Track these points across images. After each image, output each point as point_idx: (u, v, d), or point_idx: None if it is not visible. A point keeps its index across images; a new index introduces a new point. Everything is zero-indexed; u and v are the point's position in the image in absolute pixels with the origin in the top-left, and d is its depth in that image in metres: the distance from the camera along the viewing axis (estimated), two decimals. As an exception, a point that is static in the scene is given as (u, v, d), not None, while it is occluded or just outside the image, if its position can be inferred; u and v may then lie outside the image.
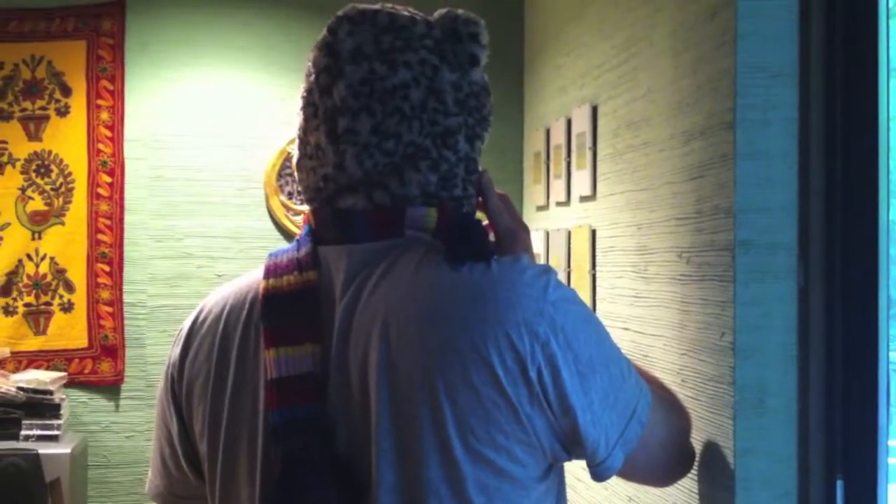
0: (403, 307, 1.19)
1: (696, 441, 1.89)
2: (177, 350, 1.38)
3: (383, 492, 1.17)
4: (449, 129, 1.29)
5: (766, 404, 1.71)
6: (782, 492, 1.71)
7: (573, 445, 1.25)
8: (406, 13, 1.33)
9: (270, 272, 1.29)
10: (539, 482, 1.24)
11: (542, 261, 3.40)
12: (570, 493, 3.01)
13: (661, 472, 1.52)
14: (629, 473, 1.42)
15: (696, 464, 1.89)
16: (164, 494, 1.44)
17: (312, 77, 1.31)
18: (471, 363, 1.15)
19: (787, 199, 1.71)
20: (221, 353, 1.29)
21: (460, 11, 1.37)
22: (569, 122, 3.07)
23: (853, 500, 1.70)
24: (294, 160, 1.36)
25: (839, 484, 1.71)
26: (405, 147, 1.25)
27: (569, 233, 3.04)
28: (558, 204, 3.23)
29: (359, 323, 1.21)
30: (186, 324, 1.39)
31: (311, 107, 1.30)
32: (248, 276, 1.36)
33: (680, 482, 1.96)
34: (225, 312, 1.33)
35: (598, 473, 1.30)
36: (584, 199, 2.89)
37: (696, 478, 1.88)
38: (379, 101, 1.25)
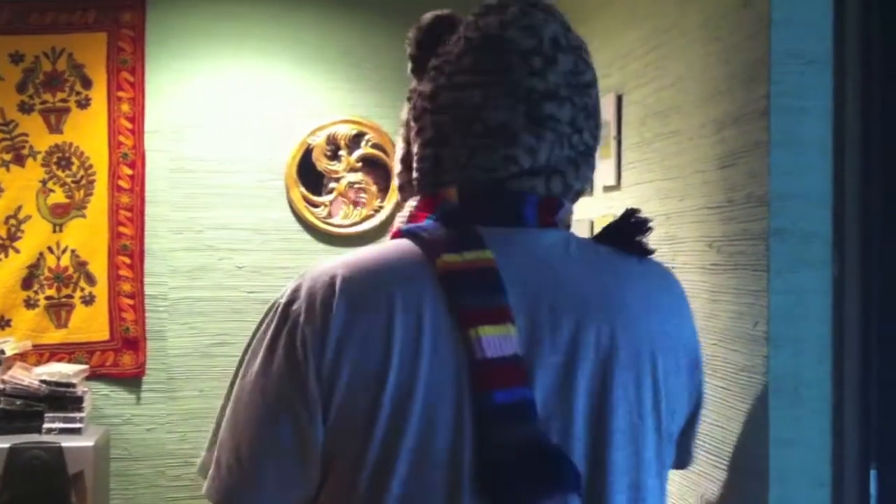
0: (610, 293, 1.23)
1: (729, 431, 1.88)
2: (327, 331, 1.15)
3: (616, 475, 1.19)
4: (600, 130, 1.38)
5: (801, 394, 1.69)
6: (816, 482, 1.70)
7: None
8: None
9: (437, 247, 1.19)
10: None
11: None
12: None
13: None
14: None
15: (728, 454, 1.88)
16: None
17: (514, 57, 1.25)
18: (679, 349, 1.28)
19: (822, 187, 1.70)
20: (405, 332, 1.15)
21: None
22: (592, 113, 3.06)
23: (887, 489, 1.69)
24: (424, 128, 1.28)
25: (873, 474, 1.69)
26: (584, 143, 1.30)
27: (592, 223, 3.03)
28: (581, 195, 3.22)
29: (553, 306, 1.19)
30: (331, 301, 1.16)
31: (506, 87, 1.24)
32: (382, 247, 1.23)
33: (712, 472, 1.95)
34: (387, 287, 1.17)
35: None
36: (608, 188, 2.88)
37: (728, 468, 1.87)
38: (579, 95, 1.28)
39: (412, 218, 1.28)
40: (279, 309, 1.18)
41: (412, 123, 1.31)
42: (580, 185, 1.32)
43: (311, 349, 1.14)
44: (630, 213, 1.35)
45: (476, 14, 1.31)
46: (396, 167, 1.37)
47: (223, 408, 1.24)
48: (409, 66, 1.35)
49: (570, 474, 1.12)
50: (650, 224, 1.34)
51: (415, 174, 1.30)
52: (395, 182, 1.37)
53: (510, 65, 1.24)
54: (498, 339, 1.14)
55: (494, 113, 1.23)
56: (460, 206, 1.25)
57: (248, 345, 1.22)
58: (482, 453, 1.13)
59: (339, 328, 1.14)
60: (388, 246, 1.23)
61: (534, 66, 1.24)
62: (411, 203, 1.30)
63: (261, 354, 1.18)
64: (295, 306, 1.17)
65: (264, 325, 1.20)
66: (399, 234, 1.26)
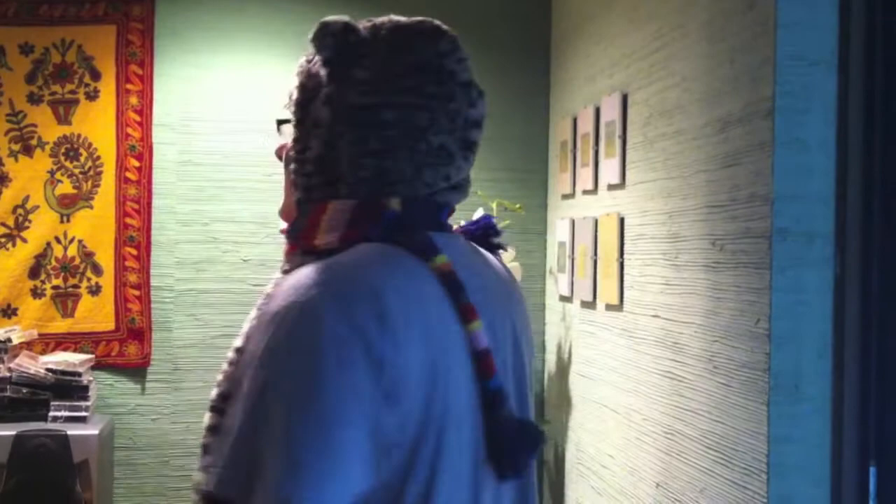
0: (505, 286, 1.42)
1: (729, 427, 1.90)
2: (385, 330, 1.18)
3: None
4: None
5: (801, 391, 1.72)
6: (816, 478, 1.73)
7: None
8: None
9: (436, 249, 1.31)
10: None
11: (567, 249, 3.42)
12: (597, 480, 3.04)
13: None
14: None
15: (729, 449, 1.90)
16: None
17: (456, 87, 1.37)
18: (529, 329, 1.48)
19: (825, 187, 1.72)
20: (442, 329, 1.23)
21: None
22: (597, 111, 3.08)
23: (886, 486, 1.71)
24: (365, 138, 1.34)
25: (872, 471, 1.72)
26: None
27: (596, 221, 3.05)
28: (585, 192, 3.24)
29: (488, 300, 1.35)
30: (385, 301, 1.20)
31: (447, 113, 1.36)
32: (382, 249, 1.29)
33: (712, 468, 1.98)
34: (415, 286, 1.24)
35: None
36: (612, 187, 2.90)
37: (728, 464, 1.89)
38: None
39: (353, 222, 1.33)
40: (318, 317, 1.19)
41: (340, 129, 1.36)
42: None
43: (376, 359, 1.17)
44: (484, 217, 1.54)
45: (395, 31, 1.38)
46: (305, 167, 1.39)
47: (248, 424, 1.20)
48: (322, 69, 1.40)
49: (540, 437, 1.32)
50: (500, 228, 1.53)
51: (349, 180, 1.35)
52: (296, 179, 1.40)
53: (453, 94, 1.35)
54: (481, 333, 1.28)
55: (438, 136, 1.34)
56: (403, 214, 1.34)
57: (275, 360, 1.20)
58: (494, 433, 1.28)
59: (390, 335, 1.18)
60: (378, 251, 1.28)
61: (471, 97, 1.38)
62: (338, 206, 1.35)
63: (314, 367, 1.18)
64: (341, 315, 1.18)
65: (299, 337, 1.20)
66: (355, 234, 1.32)
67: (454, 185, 1.41)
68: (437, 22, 1.41)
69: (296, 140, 1.40)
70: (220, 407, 1.29)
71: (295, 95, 1.41)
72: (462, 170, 1.40)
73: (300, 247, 1.35)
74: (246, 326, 1.33)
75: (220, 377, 1.32)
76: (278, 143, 1.46)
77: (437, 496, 1.22)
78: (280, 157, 1.46)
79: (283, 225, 1.46)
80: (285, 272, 1.35)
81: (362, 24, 1.41)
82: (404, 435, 1.18)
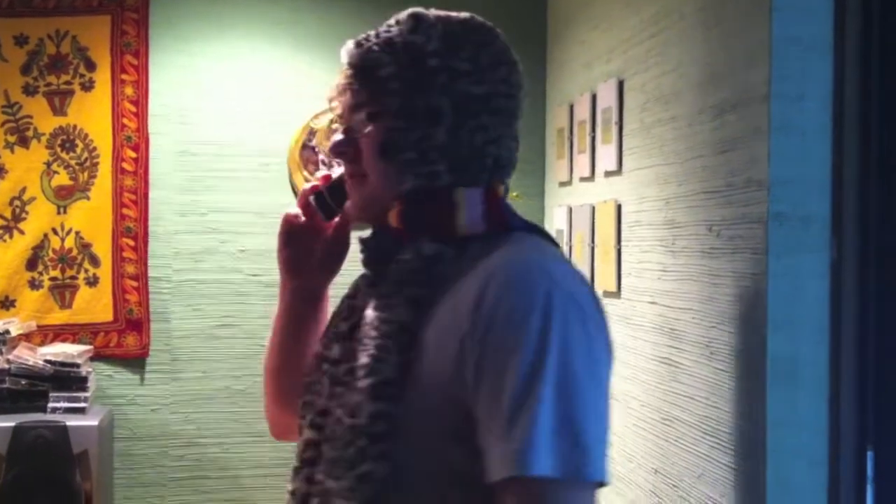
0: None
1: (727, 412, 1.90)
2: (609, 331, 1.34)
3: None
4: None
5: (798, 376, 1.72)
6: (813, 461, 1.73)
7: None
8: None
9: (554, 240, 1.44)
10: None
11: (565, 236, 3.41)
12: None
13: None
14: None
15: (726, 434, 1.90)
16: None
17: (522, 78, 1.44)
18: None
19: (821, 172, 1.72)
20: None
21: None
22: (594, 98, 3.07)
23: (883, 469, 1.72)
24: (484, 127, 1.41)
25: (870, 454, 1.72)
26: None
27: (593, 208, 3.05)
28: (582, 179, 3.24)
29: None
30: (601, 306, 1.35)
31: (521, 101, 1.43)
32: (539, 241, 1.40)
33: (710, 453, 1.98)
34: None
35: None
36: (609, 174, 2.90)
37: (726, 448, 1.90)
38: None
39: (491, 210, 1.40)
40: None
41: (461, 117, 1.38)
42: None
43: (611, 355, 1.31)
44: None
45: (466, 25, 1.44)
46: (429, 155, 1.40)
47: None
48: (432, 60, 1.39)
49: None
50: None
51: (473, 168, 1.39)
52: (412, 168, 1.39)
53: (522, 84, 1.43)
54: None
55: (518, 123, 1.43)
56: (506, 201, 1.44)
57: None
58: None
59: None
60: (540, 242, 1.38)
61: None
62: (467, 193, 1.39)
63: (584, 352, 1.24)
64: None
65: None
66: (501, 220, 1.40)
67: None
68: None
69: (403, 130, 1.39)
70: (391, 394, 1.27)
71: (393, 85, 1.39)
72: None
73: (430, 233, 1.37)
74: (405, 313, 1.32)
75: (370, 360, 1.30)
76: (337, 137, 1.44)
77: None
78: (340, 152, 1.43)
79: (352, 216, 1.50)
80: (428, 257, 1.35)
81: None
82: None
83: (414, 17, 1.42)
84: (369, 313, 1.37)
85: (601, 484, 1.18)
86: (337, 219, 1.54)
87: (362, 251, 1.46)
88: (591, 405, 1.22)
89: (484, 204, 1.39)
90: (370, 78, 1.40)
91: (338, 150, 1.43)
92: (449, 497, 1.27)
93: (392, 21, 1.45)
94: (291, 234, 1.56)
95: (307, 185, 1.57)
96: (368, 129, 1.39)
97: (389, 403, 1.27)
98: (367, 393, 1.28)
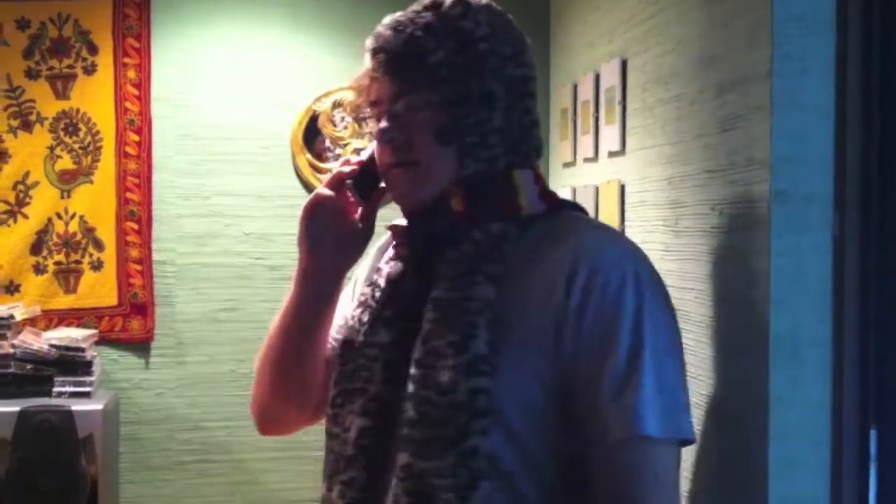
0: None
1: (729, 391, 1.90)
2: None
3: None
4: None
5: (801, 354, 1.71)
6: (816, 441, 1.72)
7: None
8: None
9: None
10: None
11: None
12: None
13: None
14: None
15: (728, 413, 1.90)
16: None
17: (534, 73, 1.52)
18: None
19: (824, 150, 1.71)
20: None
21: None
22: (597, 78, 3.06)
23: (887, 449, 1.71)
24: (529, 110, 1.50)
25: (873, 433, 1.71)
26: None
27: (597, 189, 3.04)
28: (586, 160, 3.23)
29: None
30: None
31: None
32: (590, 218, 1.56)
33: (713, 433, 1.97)
34: None
35: None
36: (612, 154, 2.89)
37: (728, 427, 1.89)
38: None
39: (545, 191, 1.49)
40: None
41: (512, 100, 1.45)
42: None
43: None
44: None
45: (485, 11, 1.47)
46: (489, 139, 1.42)
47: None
48: (483, 44, 1.41)
49: None
50: None
51: (524, 150, 1.47)
52: (471, 151, 1.42)
53: (536, 74, 1.54)
54: None
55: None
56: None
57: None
58: None
59: None
60: (610, 225, 1.57)
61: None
62: (522, 175, 1.46)
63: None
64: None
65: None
66: (555, 200, 1.50)
67: None
68: None
69: (460, 115, 1.39)
70: (484, 370, 1.31)
71: (443, 72, 1.38)
72: None
73: (495, 215, 1.41)
74: (486, 290, 1.35)
75: (460, 337, 1.31)
76: (384, 124, 1.41)
77: None
78: (390, 140, 1.41)
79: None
80: (497, 236, 1.39)
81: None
82: None
83: (462, 2, 1.42)
84: (439, 294, 1.35)
85: (691, 441, 1.40)
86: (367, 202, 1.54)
87: (407, 237, 1.45)
88: (681, 371, 1.38)
89: (537, 185, 1.45)
90: (416, 64, 1.38)
91: (387, 138, 1.40)
92: (543, 466, 1.30)
93: (418, 6, 1.43)
94: (319, 211, 1.52)
95: (343, 168, 1.54)
96: (421, 115, 1.38)
97: (486, 378, 1.28)
98: (462, 369, 1.28)
